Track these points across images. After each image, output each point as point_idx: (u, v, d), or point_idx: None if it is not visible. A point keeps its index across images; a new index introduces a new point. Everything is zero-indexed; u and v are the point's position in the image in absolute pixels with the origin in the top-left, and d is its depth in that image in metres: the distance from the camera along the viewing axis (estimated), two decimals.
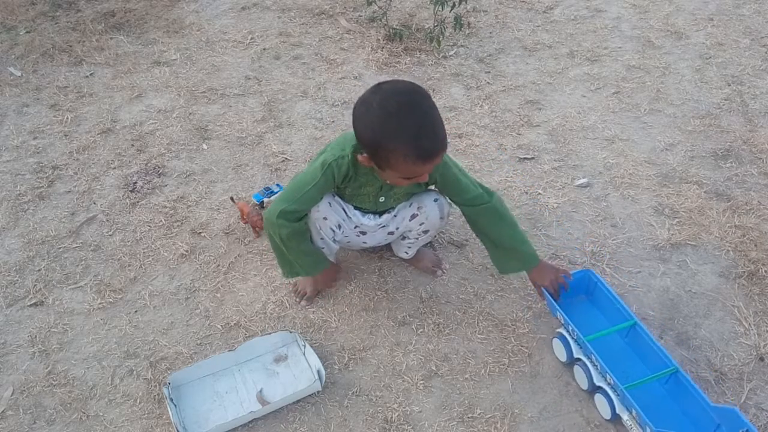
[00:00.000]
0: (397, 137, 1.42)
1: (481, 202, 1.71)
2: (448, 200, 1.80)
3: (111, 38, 2.97)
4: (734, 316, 1.85)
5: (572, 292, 1.79)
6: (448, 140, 2.43)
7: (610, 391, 1.56)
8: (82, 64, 2.82)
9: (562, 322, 1.70)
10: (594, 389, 1.61)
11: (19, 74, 2.75)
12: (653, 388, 1.61)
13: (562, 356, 1.71)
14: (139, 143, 2.45)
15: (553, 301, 1.71)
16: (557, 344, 1.73)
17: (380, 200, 1.73)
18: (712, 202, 2.23)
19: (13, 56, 2.83)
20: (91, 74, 2.77)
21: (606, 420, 1.59)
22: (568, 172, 2.37)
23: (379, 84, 1.49)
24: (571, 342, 1.68)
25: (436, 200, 1.78)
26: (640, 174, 2.35)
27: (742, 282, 1.94)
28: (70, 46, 2.89)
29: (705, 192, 2.27)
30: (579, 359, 1.65)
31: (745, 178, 2.33)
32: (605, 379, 1.58)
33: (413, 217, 1.80)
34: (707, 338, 1.79)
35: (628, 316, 1.69)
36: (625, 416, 1.54)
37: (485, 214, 1.73)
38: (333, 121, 2.59)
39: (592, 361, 1.62)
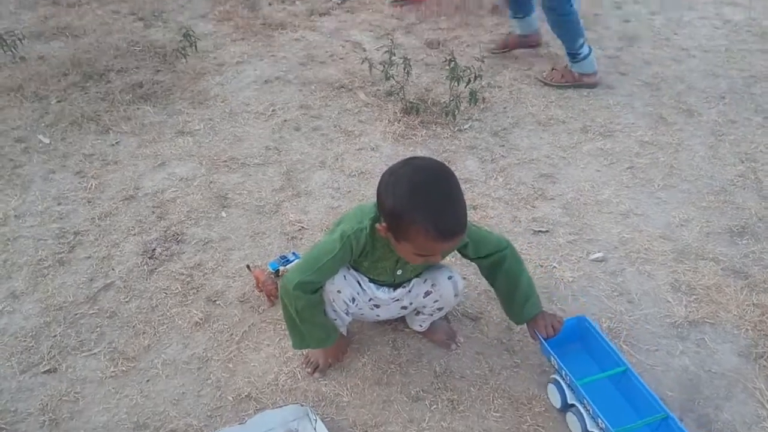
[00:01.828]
0: (420, 210, 1.44)
1: (503, 246, 1.74)
2: (464, 280, 1.80)
3: (138, 108, 3.08)
4: (756, 399, 1.80)
5: (566, 339, 1.81)
6: None
7: None
8: (109, 133, 2.91)
9: (556, 367, 1.74)
10: None
11: (48, 142, 2.84)
12: None
13: (557, 402, 1.75)
14: (160, 210, 2.50)
15: (546, 346, 1.74)
16: (552, 390, 1.77)
17: (397, 273, 1.74)
18: (730, 279, 2.21)
19: (43, 124, 2.94)
20: (117, 143, 2.86)
21: None
22: (583, 246, 2.37)
23: (411, 158, 1.54)
24: (565, 387, 1.72)
25: (450, 278, 1.79)
26: (656, 249, 2.35)
27: (763, 363, 1.90)
28: (99, 116, 3.00)
29: (722, 269, 2.25)
30: (573, 405, 1.68)
31: (762, 255, 2.32)
32: (597, 425, 1.59)
33: (427, 294, 1.80)
34: (729, 422, 1.74)
35: (620, 363, 1.74)
36: None
37: (507, 260, 1.75)
38: (350, 191, 2.63)
39: (584, 406, 1.64)
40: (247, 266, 2.20)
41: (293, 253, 2.26)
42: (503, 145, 2.92)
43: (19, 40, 3.36)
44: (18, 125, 2.93)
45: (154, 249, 2.32)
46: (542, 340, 1.75)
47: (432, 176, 1.48)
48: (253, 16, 3.95)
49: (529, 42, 3.63)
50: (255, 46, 3.66)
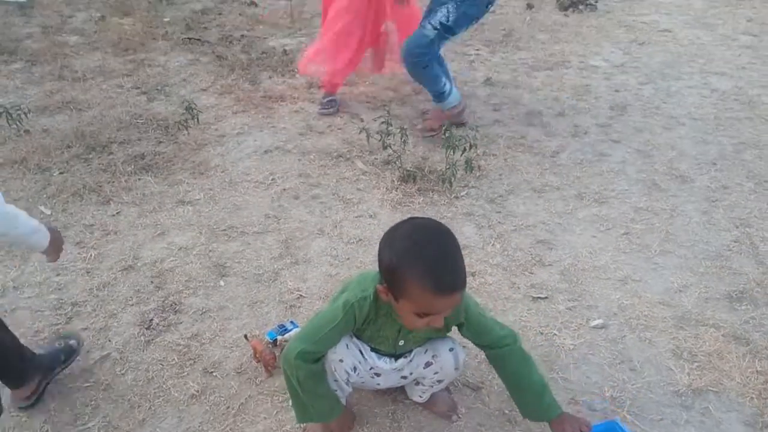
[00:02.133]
0: (417, 264, 1.44)
1: (505, 344, 1.70)
2: (465, 349, 1.78)
3: (139, 179, 3.12)
4: None
5: None
6: None
7: None
8: (110, 204, 2.94)
9: None
10: None
11: (49, 213, 2.87)
12: None
13: None
14: (158, 280, 2.49)
15: None
16: None
17: (399, 343, 1.73)
18: (731, 345, 2.20)
19: (45, 196, 2.97)
20: (117, 213, 2.88)
21: None
22: (583, 312, 2.36)
23: (410, 217, 1.56)
24: None
25: (451, 349, 1.78)
26: (656, 316, 2.34)
27: None
28: (100, 187, 3.04)
29: (723, 335, 2.24)
30: None
31: (763, 321, 2.31)
32: None
33: (427, 364, 1.79)
34: None
35: None
36: None
37: (510, 358, 1.72)
38: (348, 259, 2.64)
39: None
40: (245, 336, 2.18)
41: (291, 322, 2.24)
42: (500, 212, 2.95)
43: (25, 114, 3.44)
44: (20, 197, 2.96)
45: (152, 319, 2.30)
46: None
47: (429, 232, 1.51)
48: (253, 89, 4.07)
49: (459, 114, 3.64)
50: (255, 117, 3.75)
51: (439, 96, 3.50)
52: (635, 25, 5.15)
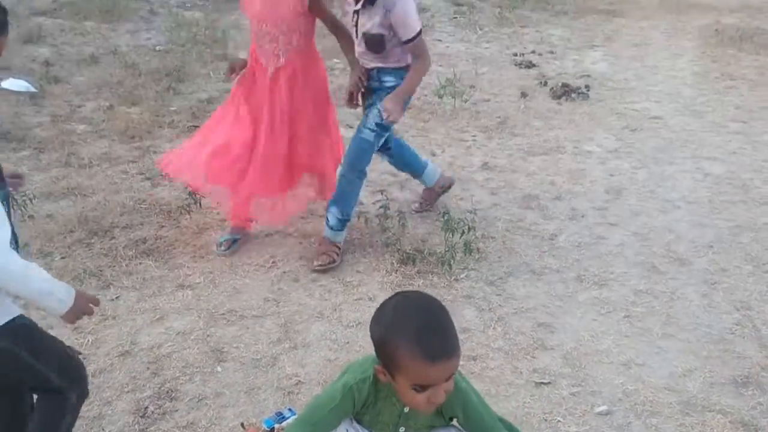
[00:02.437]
0: (404, 332, 1.43)
1: None
2: None
3: (140, 263, 3.13)
4: None
5: None
6: (462, 363, 2.43)
7: None
8: (110, 288, 2.94)
9: None
10: None
11: None
12: None
13: None
14: (155, 366, 2.46)
15: None
16: None
17: (400, 430, 1.69)
18: None
19: None
20: (117, 297, 2.88)
21: None
22: (587, 398, 2.32)
23: (399, 291, 1.57)
24: None
25: None
26: (661, 401, 2.30)
27: None
28: (101, 271, 3.05)
29: (730, 422, 2.20)
30: None
31: None
32: None
33: None
34: None
35: None
36: None
37: None
38: (348, 343, 2.62)
39: None
40: (242, 424, 2.14)
41: (289, 410, 2.20)
42: (500, 295, 2.95)
43: (30, 199, 3.50)
44: None
45: (147, 407, 2.26)
46: None
47: (415, 301, 1.52)
48: None
49: (441, 188, 3.73)
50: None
51: (419, 175, 3.62)
52: (626, 113, 5.32)
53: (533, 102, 5.50)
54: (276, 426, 2.11)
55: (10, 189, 1.94)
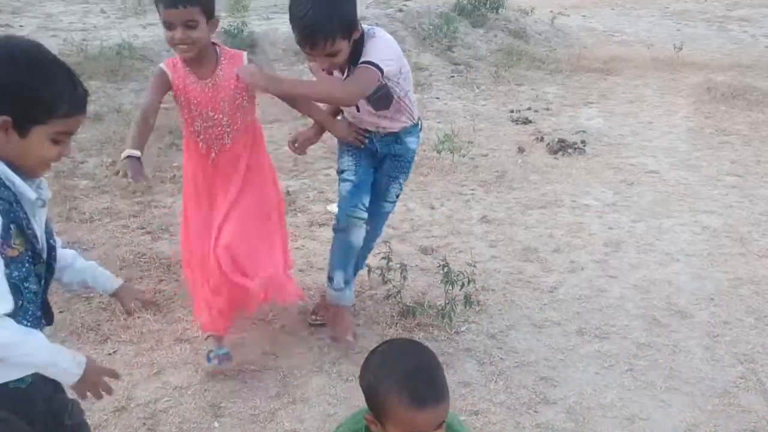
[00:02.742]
0: (391, 378, 1.42)
1: None
2: None
3: (138, 317, 3.11)
4: None
5: None
6: (464, 417, 2.39)
7: None
8: (107, 342, 2.92)
9: None
10: None
11: None
12: None
13: None
14: (151, 422, 2.42)
15: None
16: None
17: None
18: None
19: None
20: (114, 351, 2.85)
21: None
22: None
23: (389, 339, 1.56)
24: None
25: None
26: None
27: None
28: (99, 325, 3.03)
29: None
30: None
31: None
32: None
33: None
34: None
35: None
36: None
37: None
38: (347, 397, 2.58)
39: None
40: None
41: None
42: (501, 348, 2.92)
43: None
44: None
45: None
46: None
47: (404, 348, 1.52)
48: None
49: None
50: None
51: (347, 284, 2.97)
52: (623, 167, 5.39)
53: (530, 157, 5.58)
54: None
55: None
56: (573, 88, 8.03)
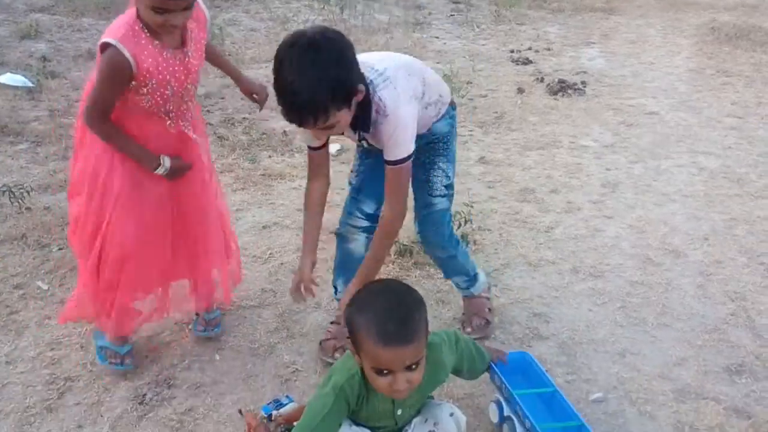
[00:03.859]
0: (366, 312, 1.48)
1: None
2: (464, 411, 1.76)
3: None
4: None
5: (511, 371, 2.10)
6: None
7: None
8: None
9: (498, 384, 2.09)
10: None
11: (46, 288, 2.87)
12: None
13: (495, 417, 2.12)
14: (154, 354, 2.47)
15: (494, 368, 2.06)
16: (492, 408, 2.14)
17: (398, 413, 1.70)
18: (733, 419, 2.17)
19: (42, 271, 2.99)
20: None
21: None
22: (581, 386, 2.34)
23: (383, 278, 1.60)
24: (504, 403, 2.07)
25: (452, 415, 1.76)
26: (655, 389, 2.32)
27: None
28: None
29: (724, 409, 2.22)
30: (509, 417, 2.03)
31: (763, 394, 2.29)
32: (525, 427, 1.93)
33: None
34: None
35: (551, 386, 2.12)
36: None
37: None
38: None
39: (517, 415, 1.97)
40: (239, 411, 2.15)
41: (287, 397, 2.21)
42: (496, 285, 2.96)
43: (27, 192, 3.50)
44: (17, 272, 2.97)
45: (145, 394, 2.27)
46: (492, 366, 2.05)
47: (387, 287, 1.58)
48: (253, 167, 4.16)
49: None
50: (254, 194, 3.82)
51: (473, 279, 2.67)
52: (623, 108, 5.34)
53: (530, 98, 5.52)
54: (274, 413, 2.12)
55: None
56: (575, 28, 7.88)
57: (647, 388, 2.33)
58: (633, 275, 3.06)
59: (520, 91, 5.65)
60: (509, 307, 2.81)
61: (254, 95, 2.53)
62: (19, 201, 3.42)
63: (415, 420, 1.76)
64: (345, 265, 2.45)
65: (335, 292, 2.58)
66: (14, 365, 2.41)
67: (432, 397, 1.87)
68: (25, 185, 3.53)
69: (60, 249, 3.16)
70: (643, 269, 3.12)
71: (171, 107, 2.13)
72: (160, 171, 2.14)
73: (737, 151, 4.57)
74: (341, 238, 2.48)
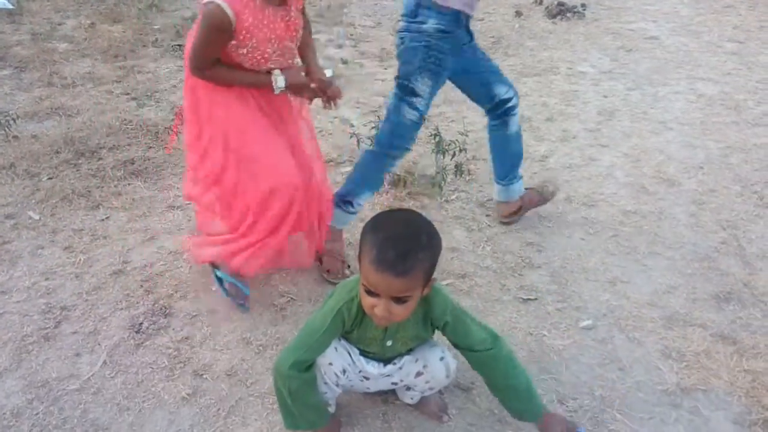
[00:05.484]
0: (377, 232, 1.48)
1: (486, 347, 1.69)
2: (454, 356, 1.79)
3: (129, 184, 3.11)
4: None
5: None
6: (452, 280, 2.47)
7: None
8: (99, 209, 2.93)
9: None
10: None
11: (38, 218, 2.85)
12: None
13: None
14: (148, 284, 2.49)
15: None
16: None
17: (387, 344, 1.73)
18: (719, 345, 2.22)
19: (33, 201, 2.96)
20: (106, 218, 2.87)
21: None
22: (572, 313, 2.38)
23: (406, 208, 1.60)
24: None
25: (442, 359, 1.78)
26: (644, 316, 2.36)
27: (758, 430, 1.89)
28: (89, 192, 3.03)
29: (710, 335, 2.26)
30: None
31: (750, 321, 2.33)
32: None
33: (418, 374, 1.80)
34: None
35: None
36: None
37: (493, 363, 1.71)
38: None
39: None
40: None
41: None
42: (489, 215, 2.96)
43: (13, 120, 3.43)
44: (8, 202, 2.94)
45: (141, 323, 2.29)
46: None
47: (401, 215, 1.57)
48: None
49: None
50: None
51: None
52: (622, 33, 5.21)
53: (528, 21, 5.37)
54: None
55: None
56: None
57: (636, 315, 2.37)
58: (626, 204, 3.06)
59: (518, 14, 5.49)
60: (502, 237, 2.82)
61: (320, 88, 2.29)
62: (5, 129, 3.36)
63: (406, 358, 1.79)
64: (378, 181, 2.57)
65: (348, 206, 2.56)
66: (9, 295, 2.42)
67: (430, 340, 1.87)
68: (10, 113, 3.46)
69: (50, 178, 3.13)
70: (636, 198, 3.12)
71: (273, 66, 2.14)
72: (280, 84, 2.13)
73: (736, 77, 4.49)
74: (391, 158, 2.51)
